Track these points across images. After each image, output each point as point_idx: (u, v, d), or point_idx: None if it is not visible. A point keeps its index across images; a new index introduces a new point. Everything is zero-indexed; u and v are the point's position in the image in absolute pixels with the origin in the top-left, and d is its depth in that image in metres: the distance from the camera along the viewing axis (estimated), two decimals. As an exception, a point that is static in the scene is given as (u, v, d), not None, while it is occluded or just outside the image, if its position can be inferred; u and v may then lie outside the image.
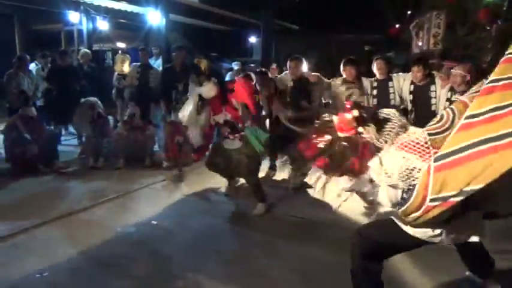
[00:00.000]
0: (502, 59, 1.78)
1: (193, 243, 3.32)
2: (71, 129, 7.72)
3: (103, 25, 10.43)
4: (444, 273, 2.77)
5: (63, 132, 7.37)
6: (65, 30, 12.53)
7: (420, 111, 4.40)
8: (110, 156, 5.65)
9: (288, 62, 4.88)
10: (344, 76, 4.68)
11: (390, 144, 1.98)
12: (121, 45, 13.43)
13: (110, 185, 4.75)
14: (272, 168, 5.35)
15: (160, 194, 4.56)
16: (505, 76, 1.73)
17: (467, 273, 2.65)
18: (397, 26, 8.83)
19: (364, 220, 3.52)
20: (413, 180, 1.84)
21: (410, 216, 1.82)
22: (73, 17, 10.12)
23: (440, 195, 1.71)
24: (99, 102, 6.02)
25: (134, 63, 6.86)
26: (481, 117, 1.68)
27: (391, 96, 4.55)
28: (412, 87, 4.44)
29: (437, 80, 4.34)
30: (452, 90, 4.09)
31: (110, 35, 11.78)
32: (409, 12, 8.57)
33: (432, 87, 4.33)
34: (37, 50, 8.90)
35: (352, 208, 4.12)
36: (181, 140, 5.71)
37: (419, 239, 1.96)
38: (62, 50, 7.40)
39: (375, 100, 4.59)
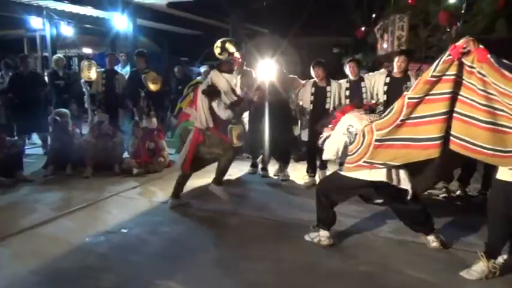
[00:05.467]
0: (424, 79, 2.68)
1: (165, 250, 3.26)
2: (34, 138, 7.45)
3: (67, 30, 10.11)
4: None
5: (26, 142, 7.09)
6: (27, 36, 12.11)
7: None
8: (77, 165, 5.50)
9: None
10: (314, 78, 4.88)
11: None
12: (87, 50, 13.09)
13: (78, 194, 4.61)
14: (254, 165, 5.56)
15: (130, 201, 4.46)
16: (431, 92, 2.66)
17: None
18: (363, 28, 9.02)
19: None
20: (351, 135, 3.02)
21: (348, 165, 3.05)
22: (35, 22, 9.80)
23: (371, 161, 2.92)
24: (68, 113, 5.82)
25: (99, 69, 6.67)
26: (409, 121, 2.76)
27: (364, 95, 4.74)
28: (388, 79, 4.63)
29: (412, 78, 4.55)
30: None
31: (76, 41, 11.46)
32: (373, 15, 8.80)
33: (408, 83, 4.48)
34: (-2, 56, 8.55)
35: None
36: (152, 145, 5.66)
37: (361, 181, 3.02)
38: (22, 55, 7.07)
39: (347, 101, 4.77)
